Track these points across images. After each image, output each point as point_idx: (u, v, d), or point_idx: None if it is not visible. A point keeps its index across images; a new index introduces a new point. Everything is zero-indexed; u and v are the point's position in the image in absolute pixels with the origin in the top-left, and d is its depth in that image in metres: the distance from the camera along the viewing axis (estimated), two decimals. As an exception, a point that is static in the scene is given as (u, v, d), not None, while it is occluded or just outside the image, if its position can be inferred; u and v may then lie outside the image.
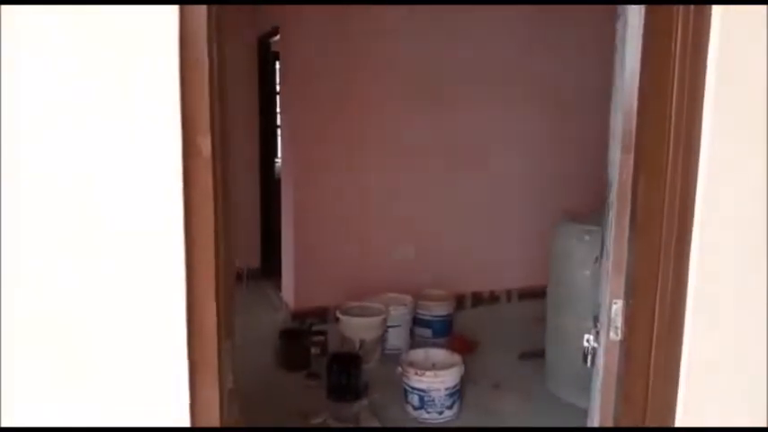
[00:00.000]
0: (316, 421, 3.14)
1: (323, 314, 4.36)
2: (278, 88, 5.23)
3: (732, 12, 1.24)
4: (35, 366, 1.00)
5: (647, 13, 1.25)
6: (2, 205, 0.94)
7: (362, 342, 3.77)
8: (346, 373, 3.35)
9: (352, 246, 4.49)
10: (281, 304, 4.71)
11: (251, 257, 5.31)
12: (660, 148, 1.27)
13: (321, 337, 3.99)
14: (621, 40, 1.31)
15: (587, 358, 1.44)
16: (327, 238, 4.43)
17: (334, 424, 3.14)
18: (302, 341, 3.89)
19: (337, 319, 3.92)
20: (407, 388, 3.23)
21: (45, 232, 0.97)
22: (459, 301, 4.64)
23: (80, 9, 0.93)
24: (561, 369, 3.37)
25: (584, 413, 1.51)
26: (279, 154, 5.40)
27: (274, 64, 5.33)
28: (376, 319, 3.85)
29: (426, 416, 3.18)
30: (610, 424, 1.39)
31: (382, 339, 3.93)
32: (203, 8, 1.01)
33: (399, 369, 3.26)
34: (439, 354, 3.47)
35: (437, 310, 4.28)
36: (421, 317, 4.26)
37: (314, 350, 3.88)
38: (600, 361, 1.39)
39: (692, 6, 1.23)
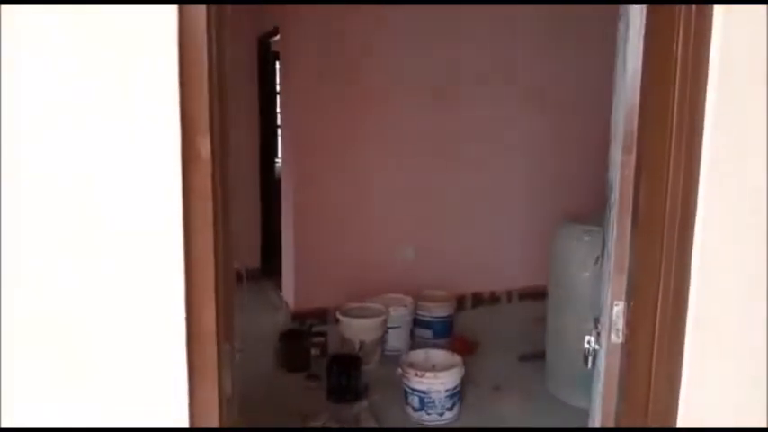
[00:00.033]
0: (315, 422, 3.13)
1: (323, 315, 4.35)
2: (278, 88, 5.23)
3: (734, 12, 1.23)
4: (35, 366, 1.00)
5: (649, 14, 1.24)
6: (2, 205, 0.94)
7: (362, 343, 3.77)
8: (346, 375, 3.36)
9: (352, 246, 4.49)
10: (282, 305, 4.70)
11: (251, 258, 5.30)
12: (661, 148, 1.26)
13: (321, 338, 3.98)
14: (623, 41, 1.31)
15: (588, 360, 1.44)
16: (327, 239, 4.42)
17: (333, 425, 3.13)
18: (302, 342, 3.89)
19: (337, 320, 3.91)
20: (408, 389, 3.22)
21: (45, 232, 0.97)
22: (460, 302, 4.64)
23: (80, 9, 0.94)
24: (561, 370, 3.37)
25: (585, 414, 1.51)
26: (279, 154, 5.40)
27: (274, 64, 5.33)
28: (376, 320, 3.85)
29: (426, 417, 3.18)
30: (611, 426, 1.38)
31: (382, 340, 3.92)
32: (203, 8, 1.01)
33: (399, 370, 3.26)
34: (439, 355, 3.46)
35: (437, 310, 4.27)
36: (421, 318, 4.25)
37: (314, 351, 3.88)
38: (601, 363, 1.38)
39: (693, 6, 1.23)
